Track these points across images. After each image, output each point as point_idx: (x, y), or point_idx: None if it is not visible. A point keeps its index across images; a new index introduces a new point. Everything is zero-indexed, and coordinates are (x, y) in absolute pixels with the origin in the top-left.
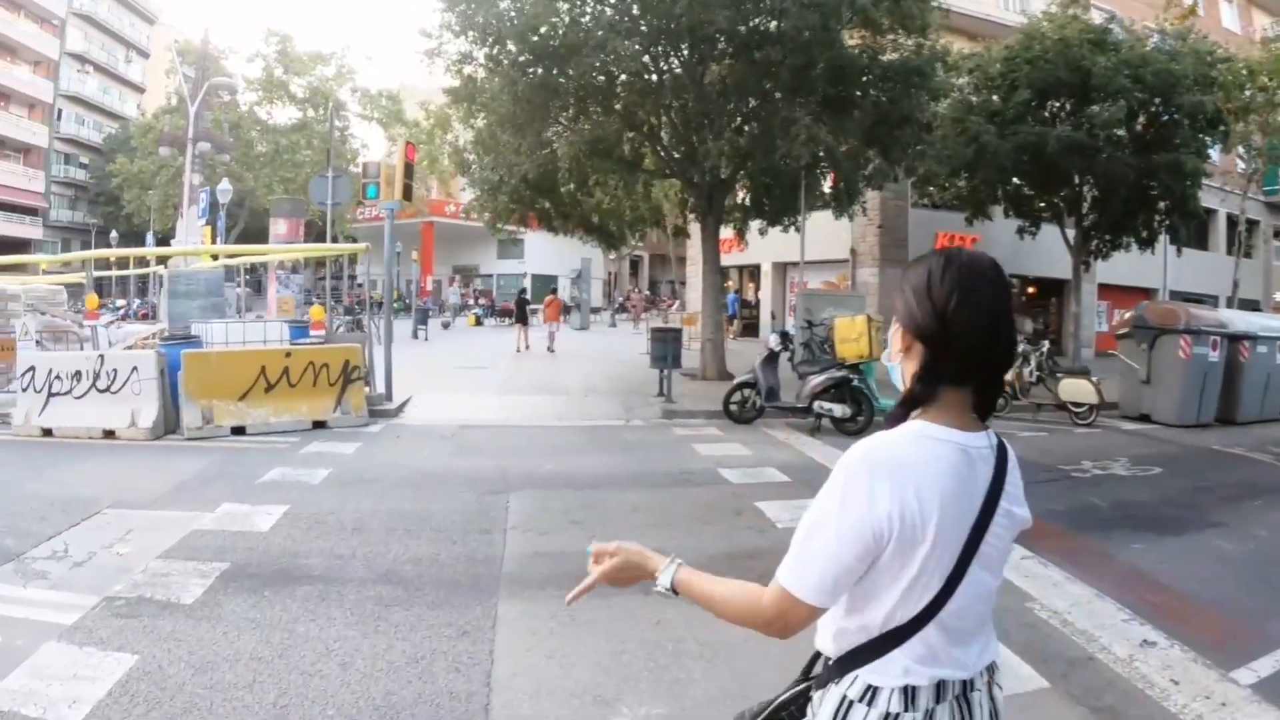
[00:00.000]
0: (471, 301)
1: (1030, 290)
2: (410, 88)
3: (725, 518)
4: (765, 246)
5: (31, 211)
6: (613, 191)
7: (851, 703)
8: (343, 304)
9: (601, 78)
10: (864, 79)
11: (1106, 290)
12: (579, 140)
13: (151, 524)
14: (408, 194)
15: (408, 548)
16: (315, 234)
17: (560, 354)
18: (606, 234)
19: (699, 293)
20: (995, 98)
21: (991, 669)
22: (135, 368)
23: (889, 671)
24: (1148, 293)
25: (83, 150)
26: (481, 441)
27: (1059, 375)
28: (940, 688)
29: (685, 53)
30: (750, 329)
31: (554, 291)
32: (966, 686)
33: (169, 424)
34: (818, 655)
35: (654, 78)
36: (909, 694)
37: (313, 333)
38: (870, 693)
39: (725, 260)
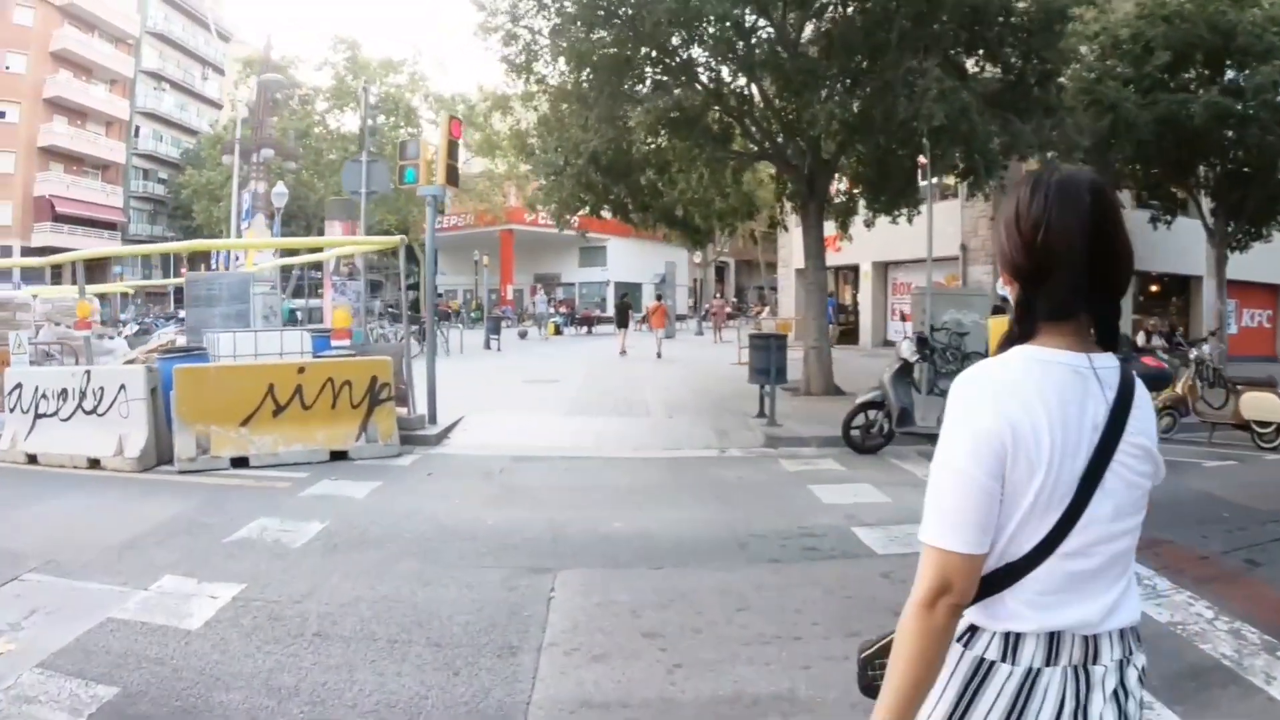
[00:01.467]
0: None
1: (1152, 288)
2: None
3: (879, 614)
4: (863, 245)
5: (111, 226)
6: (698, 178)
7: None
8: (389, 310)
9: (677, 40)
10: (999, 23)
11: (1234, 287)
12: (656, 109)
13: (65, 602)
14: (453, 178)
15: (379, 681)
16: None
17: (648, 363)
18: (692, 229)
19: (791, 296)
20: (1120, 68)
21: (1126, 638)
22: (123, 386)
23: (994, 613)
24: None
25: (161, 165)
26: (535, 481)
27: (1236, 386)
28: (1054, 645)
29: (780, 6)
30: (848, 335)
31: (659, 298)
32: (1088, 653)
33: (161, 452)
34: None
35: (740, 43)
36: (1009, 641)
37: (335, 344)
38: (969, 634)
39: None
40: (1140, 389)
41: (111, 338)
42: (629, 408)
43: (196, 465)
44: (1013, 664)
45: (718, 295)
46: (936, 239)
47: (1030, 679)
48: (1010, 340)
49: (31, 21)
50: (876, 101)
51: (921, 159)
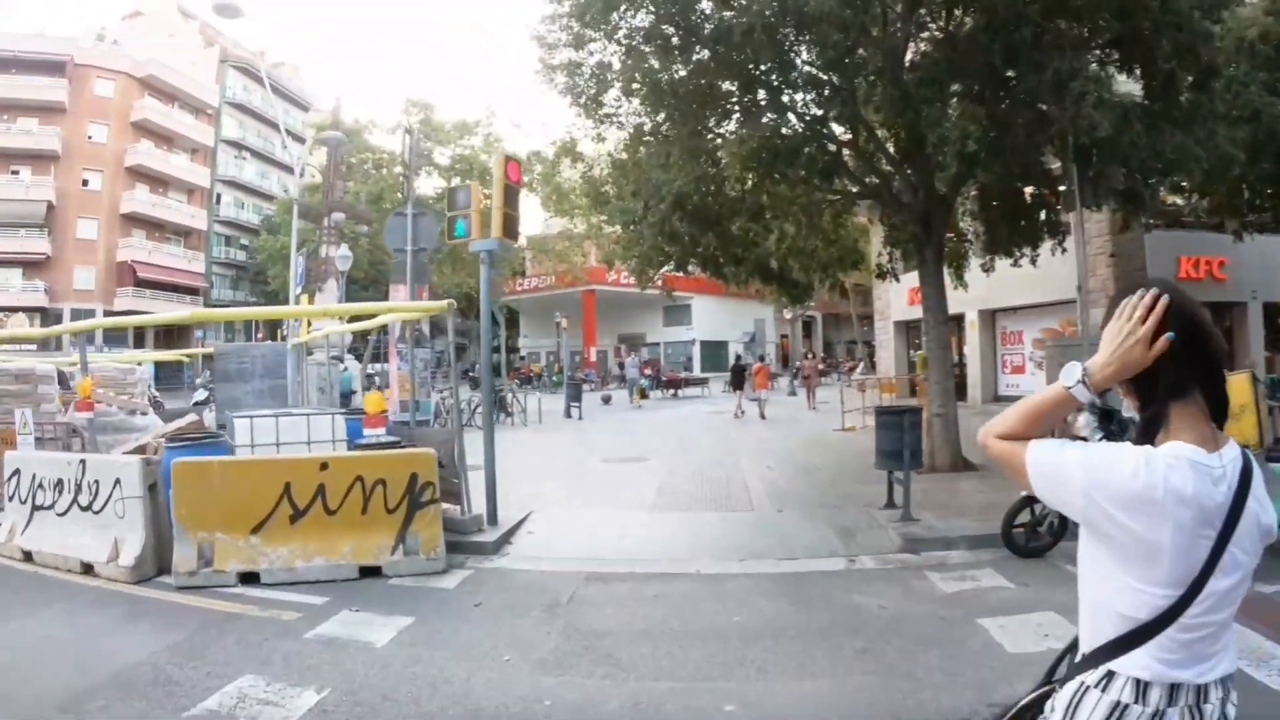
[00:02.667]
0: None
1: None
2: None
3: None
4: (967, 293)
5: (193, 291)
6: (796, 226)
7: (1088, 688)
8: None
9: (769, 63)
10: (1153, 10)
11: None
12: (749, 142)
13: None
14: (511, 229)
15: None
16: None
17: (746, 433)
18: (789, 283)
19: (890, 352)
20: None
21: (1227, 682)
22: (118, 481)
23: (1130, 664)
24: None
25: (242, 232)
26: (613, 620)
27: None
28: (1174, 691)
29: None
30: (955, 391)
31: (762, 359)
32: (1200, 696)
33: (163, 559)
34: (1060, 660)
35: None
36: (1140, 687)
37: (368, 432)
38: (1106, 679)
39: (912, 313)
40: (1256, 470)
41: (145, 413)
42: (728, 496)
43: (197, 580)
44: (1144, 706)
45: (809, 354)
46: (1050, 281)
47: (1158, 717)
48: (1150, 425)
49: (112, 93)
50: (1018, 113)
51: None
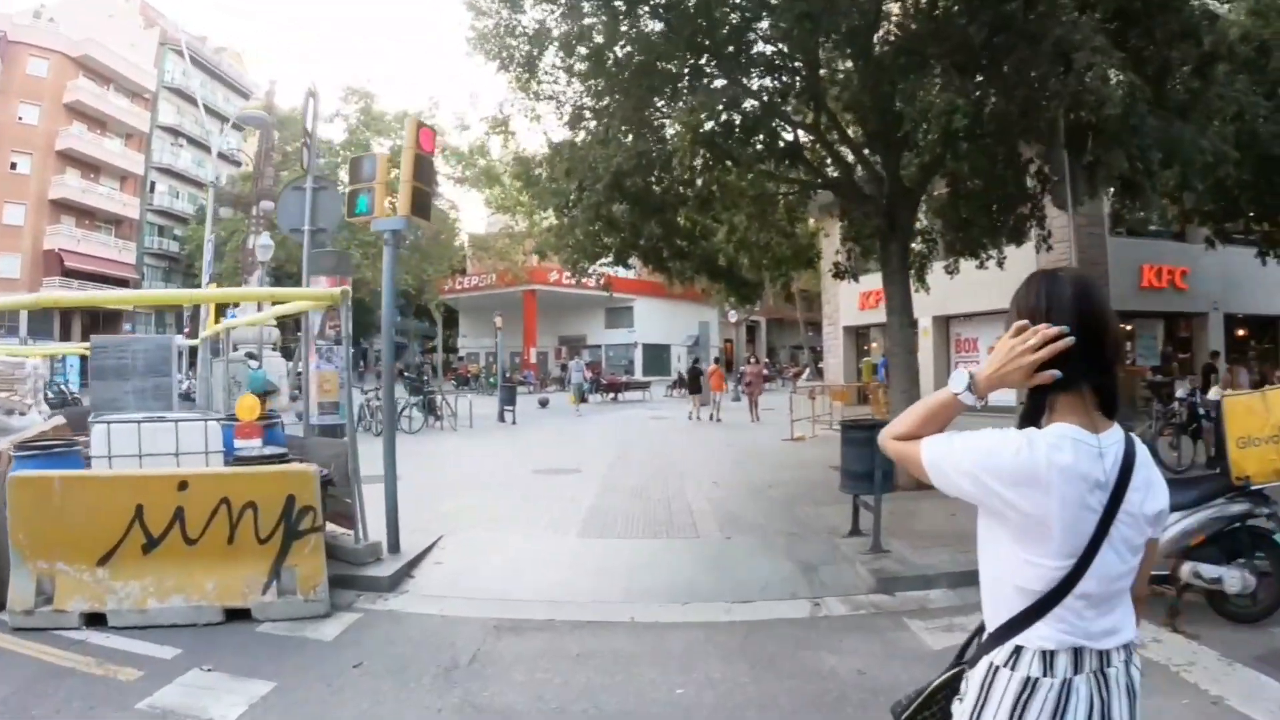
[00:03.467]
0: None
1: (1239, 333)
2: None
3: None
4: (920, 298)
5: (124, 282)
6: (746, 218)
7: (997, 668)
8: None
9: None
10: None
11: None
12: (704, 108)
13: None
14: (421, 207)
15: None
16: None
17: (692, 441)
18: (737, 281)
19: (840, 358)
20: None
21: (1129, 648)
22: None
23: (1034, 637)
24: None
25: (177, 222)
26: (520, 689)
27: None
28: (1078, 657)
29: None
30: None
31: (717, 361)
32: (1103, 661)
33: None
34: (969, 641)
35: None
36: (1047, 659)
37: (239, 444)
38: (1014, 656)
39: (863, 318)
40: (1141, 454)
41: (24, 413)
42: (669, 518)
43: (35, 621)
44: (1051, 677)
45: (751, 358)
46: (1007, 286)
47: (1065, 688)
48: (1032, 413)
49: (45, 72)
50: (1011, 86)
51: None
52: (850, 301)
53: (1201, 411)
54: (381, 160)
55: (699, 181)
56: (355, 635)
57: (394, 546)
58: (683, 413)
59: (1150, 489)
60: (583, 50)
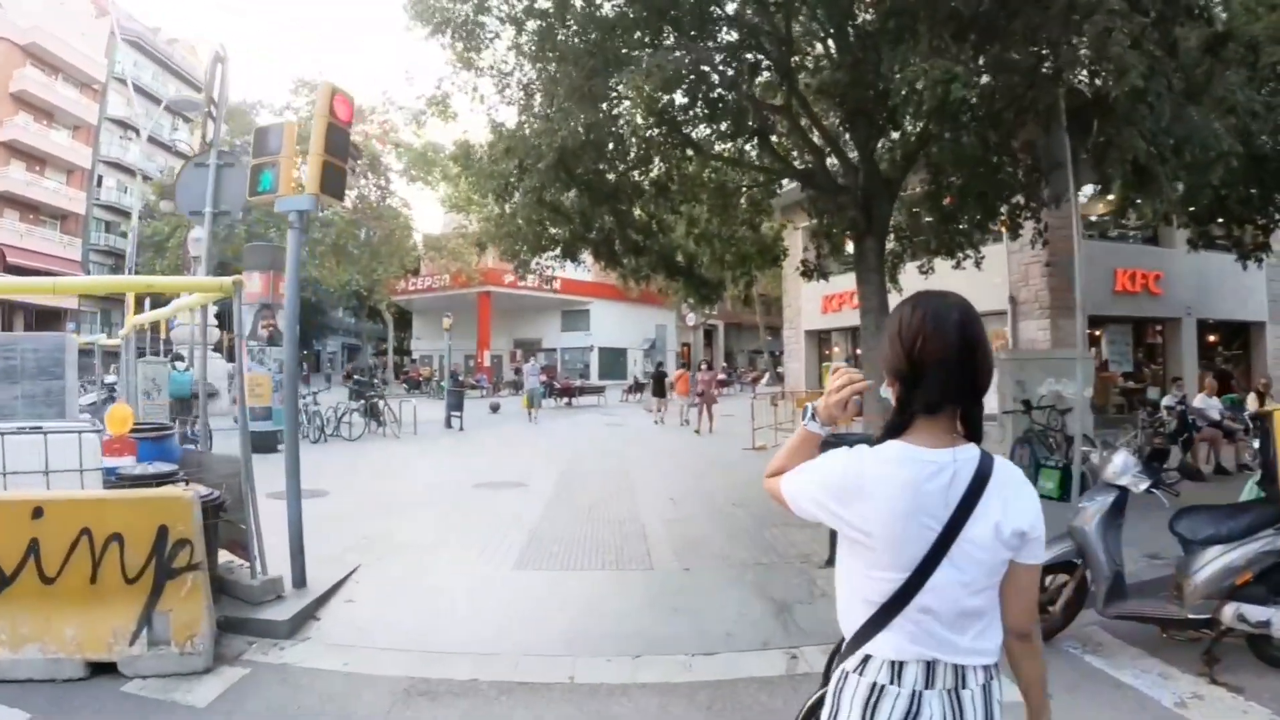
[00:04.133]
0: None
1: (1210, 338)
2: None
3: None
4: (900, 294)
5: None
6: (704, 211)
7: (848, 674)
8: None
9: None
10: None
11: None
12: (663, 70)
13: None
14: (333, 184)
15: None
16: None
17: (647, 452)
18: (697, 280)
19: (801, 363)
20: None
21: (990, 670)
22: None
23: (881, 646)
24: None
25: (124, 218)
26: None
27: None
28: (930, 672)
29: None
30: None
31: (685, 366)
32: (959, 681)
33: None
34: (832, 657)
35: None
36: (895, 668)
37: (107, 461)
38: (863, 663)
39: (826, 321)
40: (1001, 476)
41: None
42: (621, 544)
43: None
44: (899, 686)
45: (706, 364)
46: (979, 290)
47: (915, 700)
48: (891, 430)
49: None
50: (1020, 52)
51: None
52: (813, 305)
53: (1192, 420)
54: (289, 131)
55: (655, 167)
56: (235, 700)
57: (299, 581)
58: (639, 419)
59: (1009, 509)
60: (531, 26)
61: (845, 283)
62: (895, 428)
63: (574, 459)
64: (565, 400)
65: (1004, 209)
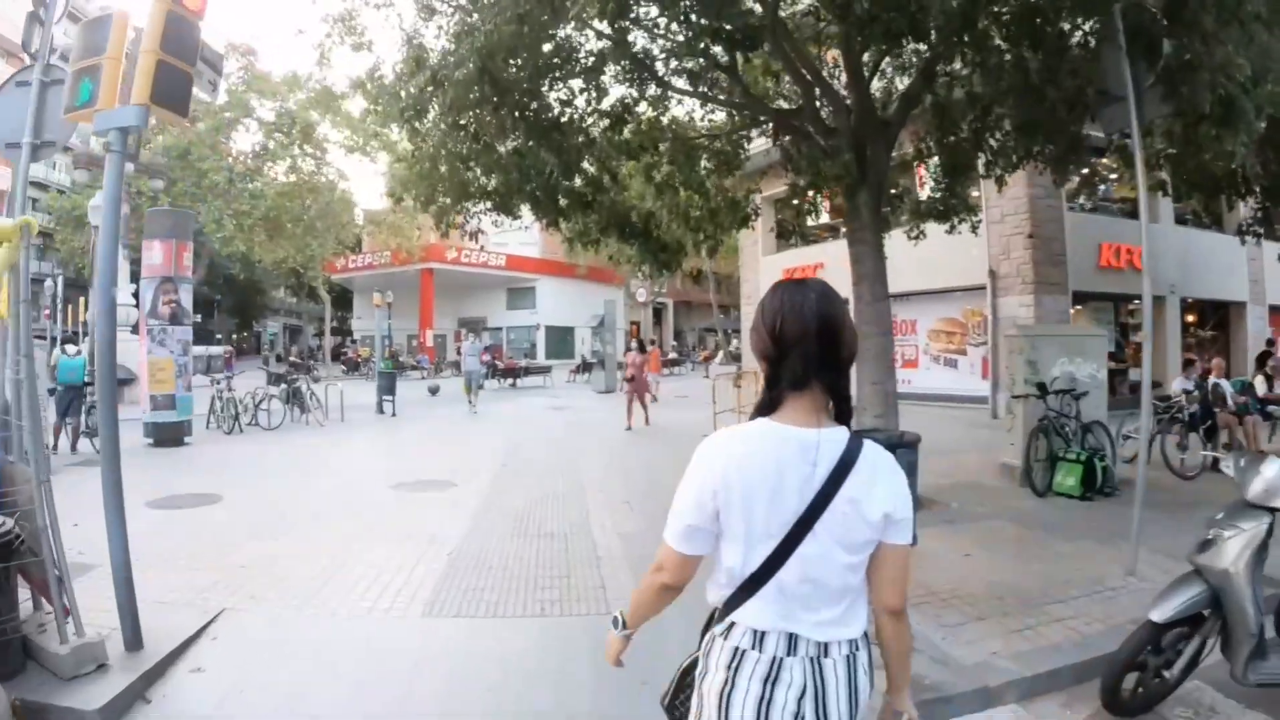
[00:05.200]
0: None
1: (1189, 319)
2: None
3: None
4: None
5: None
6: (664, 162)
7: (715, 637)
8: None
9: None
10: None
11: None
12: None
13: None
14: (172, 93)
15: None
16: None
17: (592, 442)
18: (654, 244)
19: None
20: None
21: (855, 644)
22: None
23: (745, 615)
24: None
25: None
26: None
27: None
28: (793, 642)
29: None
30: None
31: (653, 343)
32: (821, 651)
33: None
34: (707, 624)
35: None
36: (757, 636)
37: None
38: (729, 629)
39: None
40: (869, 459)
41: None
42: (566, 574)
43: None
44: (759, 651)
45: (635, 341)
46: (956, 265)
47: (776, 665)
48: (760, 409)
49: None
50: None
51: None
52: (773, 279)
53: (1232, 404)
54: (119, 23)
55: (607, 95)
56: None
57: (133, 642)
58: (586, 400)
59: (875, 491)
60: None
61: (810, 254)
62: (764, 405)
63: (514, 450)
64: (509, 381)
65: (1044, 150)
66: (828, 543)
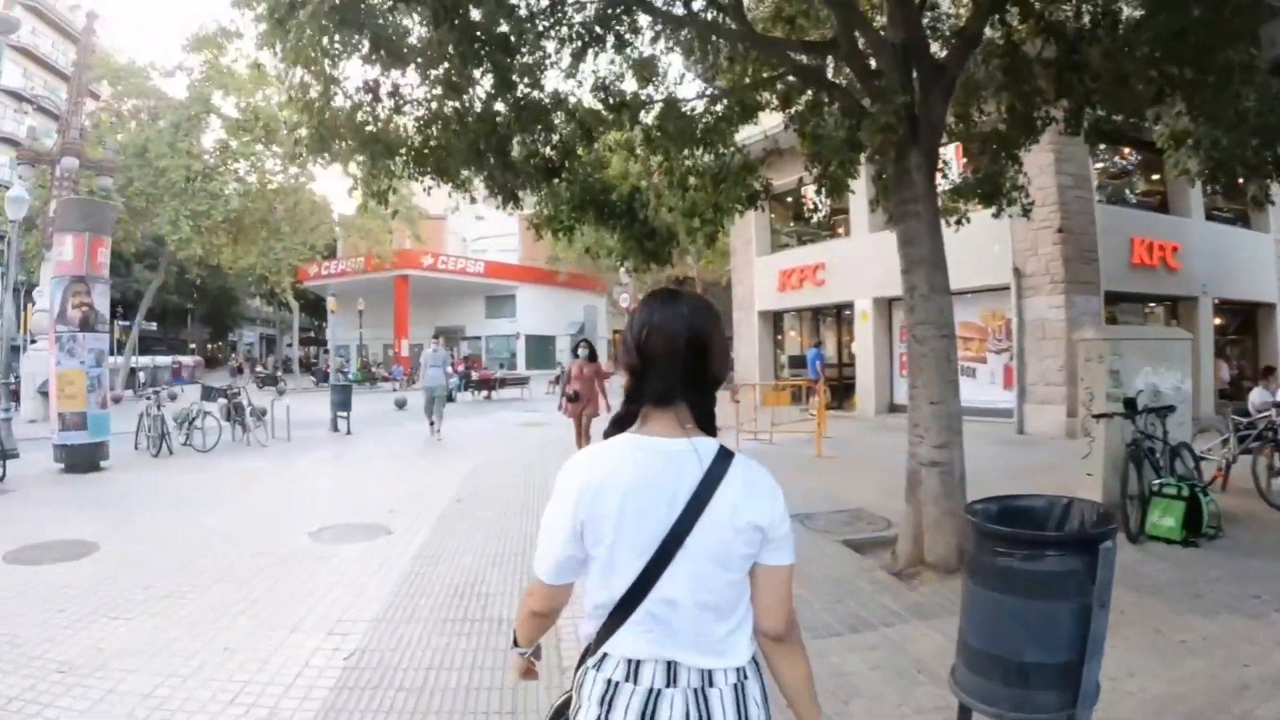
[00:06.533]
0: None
1: (1215, 321)
2: None
3: None
4: (854, 276)
5: None
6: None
7: (588, 670)
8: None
9: None
10: None
11: None
12: None
13: None
14: None
15: None
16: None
17: (557, 469)
18: (640, 230)
19: (754, 349)
20: None
21: (743, 672)
22: None
23: (618, 644)
24: None
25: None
26: None
27: None
28: (671, 672)
29: None
30: (838, 396)
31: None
32: (705, 680)
33: None
34: (583, 657)
35: None
36: (631, 666)
37: None
38: (601, 659)
39: (784, 301)
40: (740, 470)
41: None
42: (512, 709)
43: None
44: (634, 684)
45: (581, 348)
46: (973, 263)
47: (653, 698)
48: (619, 422)
49: None
50: None
51: None
52: (767, 282)
53: None
54: None
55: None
56: None
57: None
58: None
59: (746, 503)
60: None
61: (805, 255)
62: (622, 420)
63: (474, 477)
64: (484, 394)
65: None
66: (701, 559)
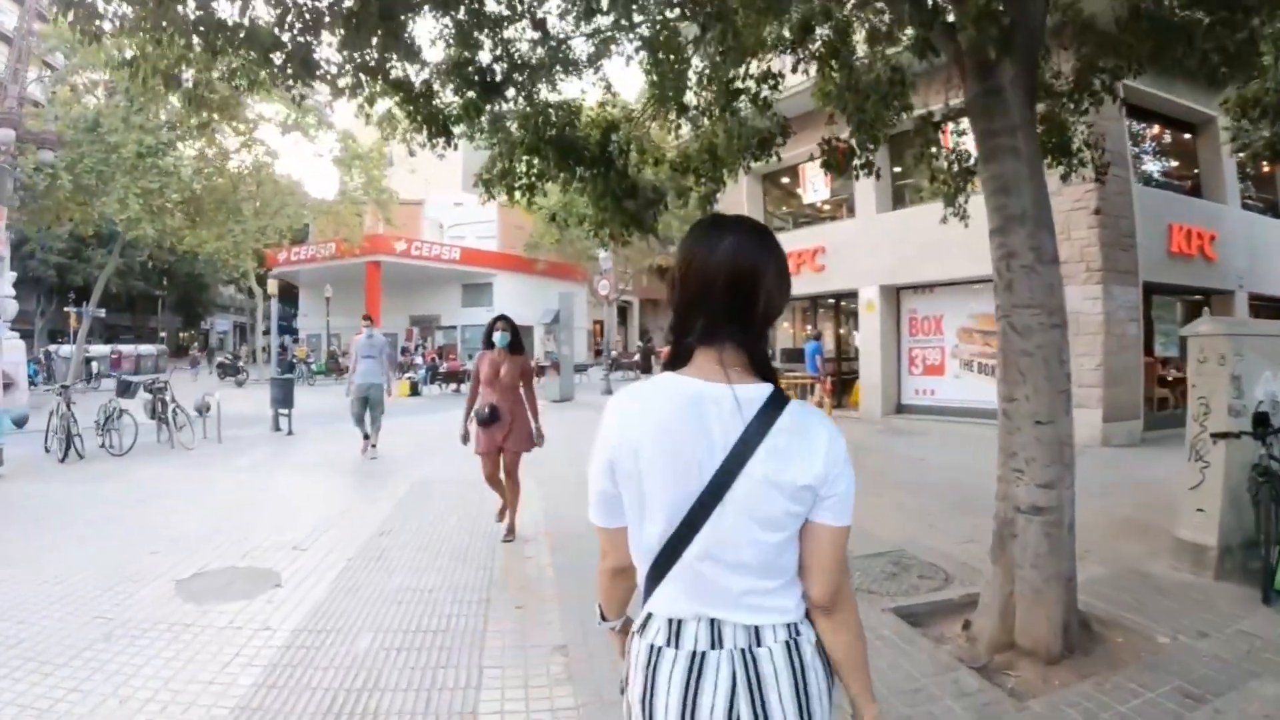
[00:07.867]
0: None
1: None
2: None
3: None
4: (860, 264)
5: None
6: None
7: (633, 635)
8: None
9: None
10: None
11: None
12: None
13: None
14: None
15: None
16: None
17: (527, 483)
18: (623, 187)
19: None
20: None
21: (791, 630)
22: None
23: (659, 602)
24: None
25: None
26: None
27: None
28: (716, 630)
29: None
30: (842, 390)
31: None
32: (753, 639)
33: None
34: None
35: None
36: (674, 626)
37: None
38: (646, 621)
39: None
40: (793, 418)
41: None
42: None
43: None
44: (677, 648)
45: (497, 330)
46: (975, 251)
47: (697, 664)
48: (668, 365)
49: None
50: None
51: None
52: None
53: None
54: None
55: None
56: None
57: None
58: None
59: (787, 458)
60: None
61: (803, 238)
62: (672, 359)
63: (409, 499)
64: (453, 386)
65: None
66: (743, 516)
